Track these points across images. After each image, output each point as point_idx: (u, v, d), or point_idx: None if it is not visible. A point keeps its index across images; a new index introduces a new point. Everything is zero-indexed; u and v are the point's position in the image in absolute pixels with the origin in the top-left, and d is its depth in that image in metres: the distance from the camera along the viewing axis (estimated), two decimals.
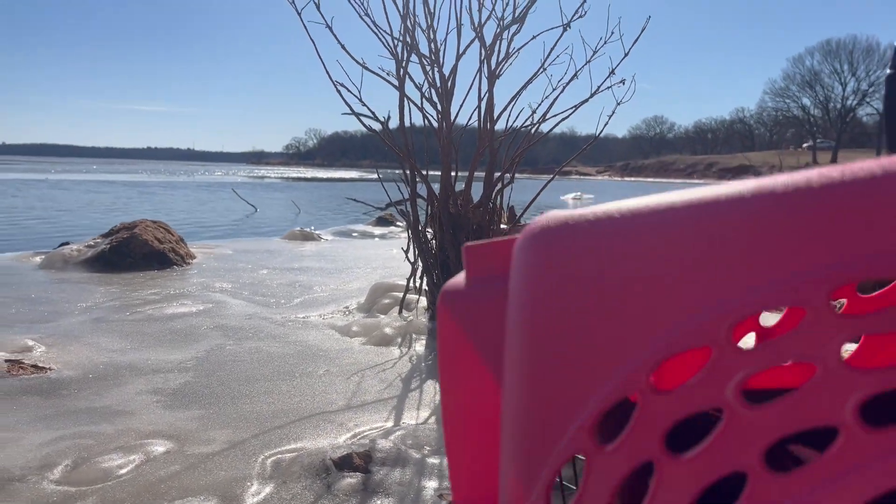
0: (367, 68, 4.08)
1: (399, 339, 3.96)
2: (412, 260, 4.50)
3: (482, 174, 4.41)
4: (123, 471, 2.20)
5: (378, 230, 11.64)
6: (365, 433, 2.58)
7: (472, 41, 4.21)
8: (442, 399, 0.63)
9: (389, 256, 7.90)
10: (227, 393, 3.02)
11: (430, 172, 4.51)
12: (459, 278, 0.56)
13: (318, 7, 3.88)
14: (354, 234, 11.02)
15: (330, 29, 3.97)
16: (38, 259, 6.80)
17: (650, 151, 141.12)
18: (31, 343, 3.66)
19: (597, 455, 0.41)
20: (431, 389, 3.14)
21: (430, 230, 4.47)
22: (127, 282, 5.81)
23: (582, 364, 0.41)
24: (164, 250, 6.69)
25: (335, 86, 4.10)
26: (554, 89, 4.23)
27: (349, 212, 18.00)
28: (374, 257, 7.82)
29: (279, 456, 2.34)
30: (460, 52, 4.15)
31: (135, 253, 6.50)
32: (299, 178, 59.99)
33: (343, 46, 4.00)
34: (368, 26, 4.00)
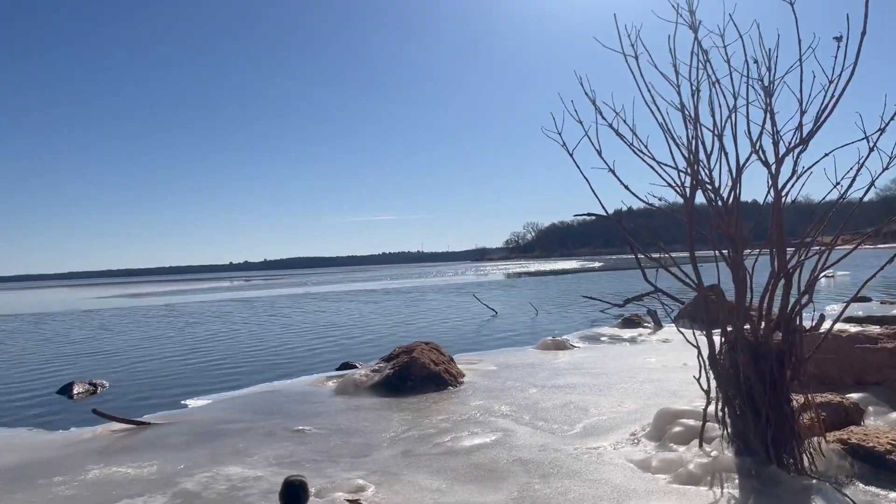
0: (649, 204, 4.16)
1: (708, 479, 3.81)
2: (705, 388, 4.35)
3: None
4: None
5: (626, 332, 11.43)
6: None
7: (747, 160, 4.14)
8: None
9: (652, 367, 7.70)
10: None
11: (677, 254, 4.35)
12: None
13: (599, 154, 4.08)
14: (603, 339, 10.92)
15: (613, 172, 4.14)
16: (331, 384, 7.56)
17: None
18: (361, 482, 4.05)
19: None
20: None
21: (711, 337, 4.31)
22: (414, 407, 6.24)
23: None
24: (439, 372, 7.13)
25: (618, 224, 4.21)
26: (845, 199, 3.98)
27: (585, 307, 17.90)
28: (636, 369, 7.67)
29: None
30: (741, 169, 4.10)
31: (415, 376, 7.00)
32: (522, 273, 61.26)
33: (627, 187, 4.13)
34: (650, 165, 4.11)
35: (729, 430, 4.10)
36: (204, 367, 10.28)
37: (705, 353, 4.25)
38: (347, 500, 3.72)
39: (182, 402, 7.23)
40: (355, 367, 9.30)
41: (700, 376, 4.40)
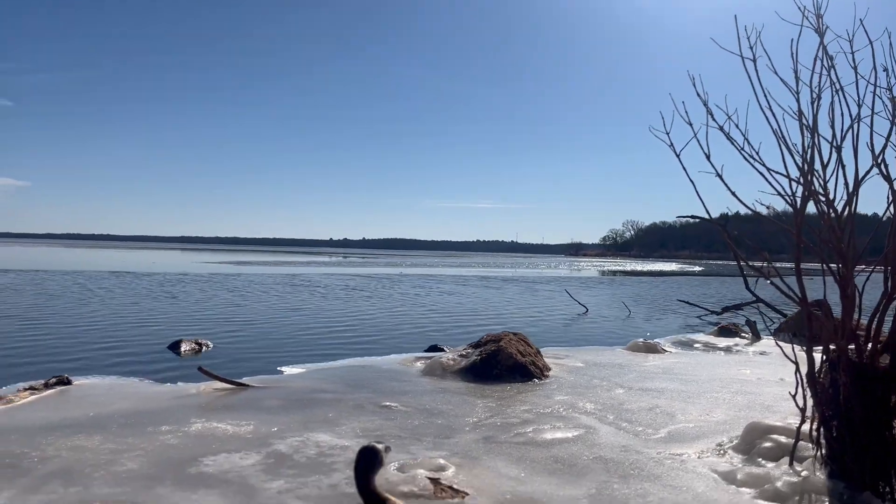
0: (756, 212, 4.05)
1: (796, 499, 3.70)
2: (801, 405, 4.20)
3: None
4: None
5: (722, 342, 11.08)
6: None
7: (867, 173, 3.95)
8: None
9: (745, 379, 7.46)
10: None
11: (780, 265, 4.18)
12: None
13: (708, 157, 3.99)
14: (697, 346, 10.63)
15: (720, 177, 4.05)
16: (419, 364, 7.75)
17: None
18: (442, 462, 4.16)
19: None
20: None
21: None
22: (498, 395, 6.32)
23: None
24: (525, 363, 7.17)
25: (720, 227, 4.12)
26: None
27: (680, 312, 17.43)
28: (729, 380, 7.45)
29: None
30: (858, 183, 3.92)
31: (501, 365, 7.07)
32: (618, 271, 60.07)
33: (734, 193, 4.04)
34: (760, 172, 3.99)
35: (823, 451, 3.96)
36: (299, 337, 10.72)
37: (804, 369, 4.10)
38: (428, 478, 3.85)
39: (278, 368, 7.59)
40: (443, 350, 9.47)
41: (796, 393, 4.25)
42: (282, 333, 11.21)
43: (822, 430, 3.97)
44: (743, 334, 11.73)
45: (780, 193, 4.02)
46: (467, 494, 3.67)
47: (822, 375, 4.05)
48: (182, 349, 9.16)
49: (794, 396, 4.27)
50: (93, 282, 22.03)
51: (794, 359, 4.25)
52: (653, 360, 8.86)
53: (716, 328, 12.27)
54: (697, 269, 70.94)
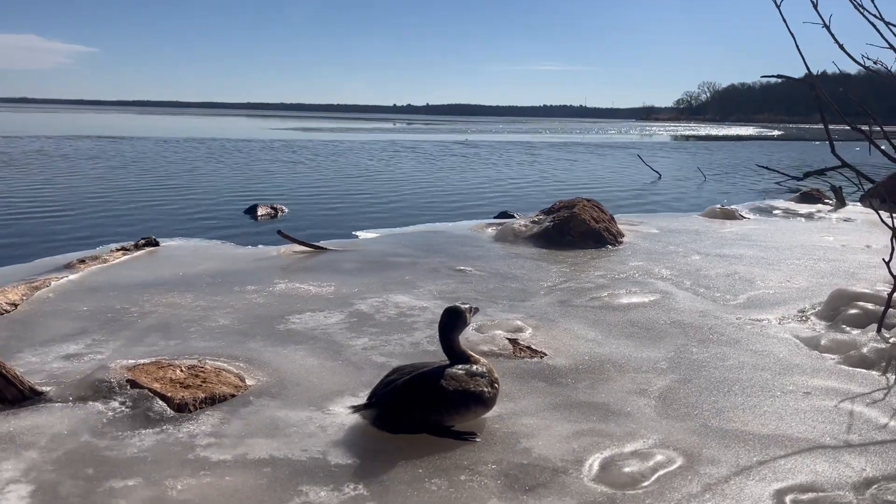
0: (865, 67, 3.72)
1: (883, 364, 3.63)
2: (894, 273, 4.04)
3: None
4: (647, 482, 2.44)
5: (803, 208, 10.69)
6: (882, 483, 2.44)
7: None
8: None
9: (829, 246, 7.21)
10: (711, 404, 3.12)
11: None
12: None
13: (815, 6, 3.64)
14: (776, 213, 10.29)
15: (827, 28, 3.70)
16: (490, 230, 7.77)
17: None
18: (520, 324, 4.23)
19: None
20: None
21: None
22: (571, 261, 6.31)
23: None
24: (599, 230, 7.09)
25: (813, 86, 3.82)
26: None
27: (759, 178, 16.79)
28: (811, 246, 7.21)
29: (795, 496, 2.35)
30: None
31: (574, 231, 7.02)
32: (691, 136, 57.93)
33: (842, 46, 3.70)
34: (871, 23, 3.63)
35: None
36: (372, 203, 10.86)
37: None
38: (507, 339, 3.93)
39: (352, 232, 7.75)
40: (513, 216, 9.46)
41: (890, 259, 4.08)
42: (353, 199, 11.37)
43: None
44: (826, 200, 11.26)
45: (892, 46, 3.66)
46: (545, 355, 3.74)
47: None
48: (258, 213, 9.43)
49: (887, 263, 4.10)
50: (168, 148, 22.62)
51: (890, 224, 4.04)
52: (730, 226, 8.64)
53: (797, 194, 11.80)
54: (777, 132, 67.66)
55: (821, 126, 4.50)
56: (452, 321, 2.96)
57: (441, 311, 3.01)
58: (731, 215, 9.34)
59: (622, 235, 7.42)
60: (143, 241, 6.61)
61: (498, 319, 4.34)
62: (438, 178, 15.61)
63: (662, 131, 72.19)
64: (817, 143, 39.89)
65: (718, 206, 9.58)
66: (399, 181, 14.63)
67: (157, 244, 6.67)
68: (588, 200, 7.66)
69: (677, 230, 8.12)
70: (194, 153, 21.16)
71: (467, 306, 3.04)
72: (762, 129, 79.63)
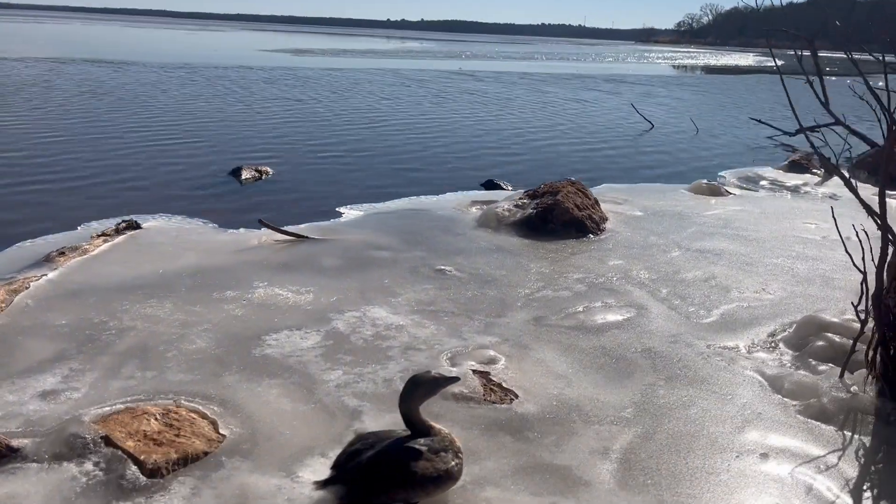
0: None
1: (841, 418, 3.74)
2: (861, 316, 4.10)
3: None
4: None
5: (791, 179, 10.70)
6: None
7: None
8: None
9: (809, 238, 7.27)
10: (669, 469, 3.24)
11: None
12: None
13: None
14: (763, 184, 10.31)
15: None
16: (474, 210, 7.76)
17: None
18: (492, 353, 4.31)
19: None
20: None
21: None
22: (552, 257, 6.35)
23: None
24: (582, 218, 7.10)
25: None
26: None
27: (750, 131, 16.62)
28: (792, 238, 7.26)
29: None
30: None
31: (557, 220, 7.02)
32: (690, 66, 57.10)
33: None
34: None
35: (877, 368, 3.92)
36: (359, 163, 10.71)
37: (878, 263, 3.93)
38: (478, 373, 4.00)
39: (336, 209, 7.71)
40: (500, 186, 9.44)
41: (859, 302, 4.13)
42: (339, 160, 11.23)
43: (879, 349, 3.90)
44: (814, 171, 11.24)
45: None
46: (516, 397, 3.83)
47: (890, 292, 3.90)
48: (243, 177, 9.34)
49: (855, 306, 4.16)
50: (163, 77, 22.03)
51: (867, 244, 4.07)
52: (715, 206, 8.65)
53: (786, 162, 11.75)
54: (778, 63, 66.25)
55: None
56: (411, 391, 3.00)
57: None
58: (716, 191, 9.33)
59: (605, 221, 7.43)
60: (123, 224, 6.58)
61: (472, 345, 4.41)
62: (427, 125, 15.40)
63: (660, 59, 70.81)
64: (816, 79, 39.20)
65: (705, 181, 9.55)
66: (391, 131, 14.43)
67: (138, 227, 6.64)
68: (573, 184, 7.63)
69: (661, 212, 8.12)
70: (190, 87, 20.66)
71: (437, 375, 3.07)
72: (762, 59, 78.08)
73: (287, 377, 3.94)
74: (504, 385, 3.95)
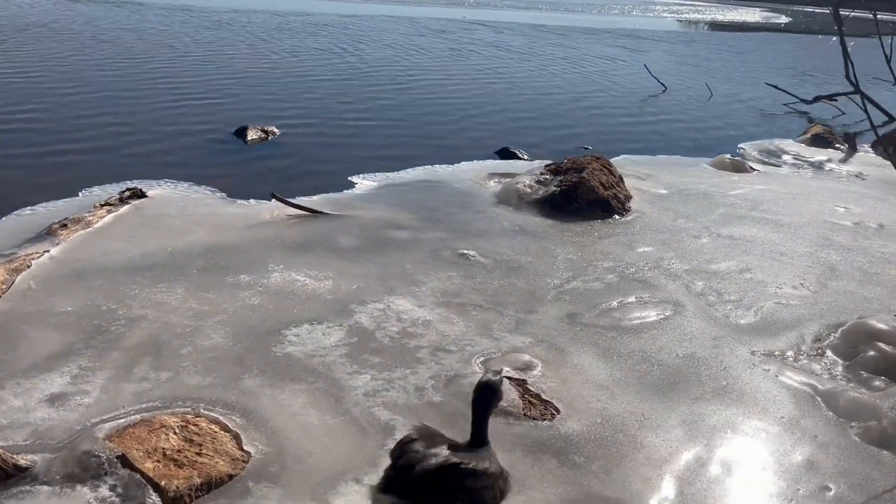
0: None
1: None
2: None
3: None
4: None
5: (813, 154, 10.36)
6: None
7: None
8: None
9: (839, 223, 7.00)
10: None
11: None
12: None
13: None
14: (786, 159, 9.99)
15: None
16: (492, 184, 7.44)
17: None
18: (528, 358, 4.06)
19: None
20: None
21: None
22: (579, 241, 6.07)
23: None
24: (607, 197, 6.79)
25: None
26: None
27: (767, 97, 16.16)
28: (821, 222, 7.00)
29: None
30: None
31: (581, 199, 6.72)
32: (698, 22, 55.92)
33: None
34: None
35: None
36: (369, 125, 10.29)
37: None
38: (516, 383, 3.76)
39: (349, 178, 7.37)
40: (515, 154, 9.09)
41: None
42: (349, 113, 10.79)
43: None
44: (837, 146, 10.88)
45: None
46: (557, 412, 3.59)
47: None
48: (248, 137, 8.95)
49: None
50: (170, 20, 21.21)
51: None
52: (739, 184, 8.34)
53: (808, 135, 11.37)
54: (784, 20, 65.08)
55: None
56: (488, 399, 2.88)
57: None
58: (740, 168, 9.01)
59: (630, 199, 7.13)
60: (128, 193, 6.23)
61: (505, 347, 4.17)
62: (435, 87, 14.90)
63: (666, 13, 69.18)
64: (828, 38, 38.43)
65: (728, 156, 9.22)
66: (403, 86, 13.92)
67: (143, 195, 6.30)
68: (598, 160, 7.29)
69: (686, 191, 7.81)
70: (192, 33, 19.90)
71: (499, 377, 2.94)
72: (769, 14, 76.48)
73: (312, 382, 3.69)
74: (543, 396, 3.71)
